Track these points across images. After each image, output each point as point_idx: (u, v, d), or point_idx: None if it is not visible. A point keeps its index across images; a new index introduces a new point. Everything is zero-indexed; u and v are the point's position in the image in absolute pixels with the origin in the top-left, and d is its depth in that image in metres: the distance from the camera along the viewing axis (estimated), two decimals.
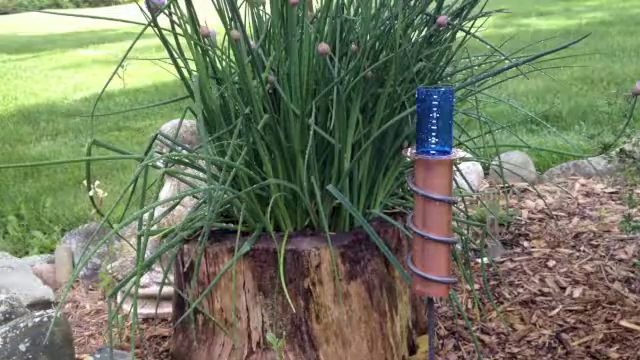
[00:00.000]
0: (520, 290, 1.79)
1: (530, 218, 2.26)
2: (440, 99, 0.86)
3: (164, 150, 1.65)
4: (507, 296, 1.76)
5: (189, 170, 1.59)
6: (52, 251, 2.31)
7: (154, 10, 1.32)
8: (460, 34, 1.53)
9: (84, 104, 5.19)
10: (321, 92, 1.38)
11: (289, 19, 1.36)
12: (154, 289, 1.77)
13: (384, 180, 1.50)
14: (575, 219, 2.23)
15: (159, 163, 1.50)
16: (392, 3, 1.43)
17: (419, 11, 1.44)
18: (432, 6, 1.45)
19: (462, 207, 1.74)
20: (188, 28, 1.41)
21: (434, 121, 0.86)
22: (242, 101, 1.39)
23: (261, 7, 1.55)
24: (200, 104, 1.35)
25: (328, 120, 1.40)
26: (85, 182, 1.49)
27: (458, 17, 1.47)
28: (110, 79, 1.44)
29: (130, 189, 1.37)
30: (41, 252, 2.38)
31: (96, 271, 2.06)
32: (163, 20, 1.38)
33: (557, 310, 1.68)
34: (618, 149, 1.66)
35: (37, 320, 1.48)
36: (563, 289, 1.78)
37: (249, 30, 1.50)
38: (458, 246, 1.65)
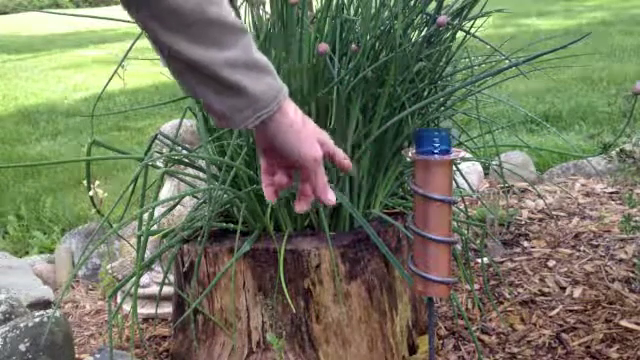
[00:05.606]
0: (520, 290, 1.79)
1: (530, 218, 2.26)
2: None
3: (164, 150, 1.65)
4: (507, 296, 1.76)
5: (189, 170, 1.59)
6: (52, 251, 2.31)
7: None
8: (460, 34, 1.53)
9: (84, 104, 5.19)
10: (321, 92, 1.38)
11: (289, 19, 1.36)
12: (154, 289, 1.77)
13: (384, 180, 1.50)
14: (575, 219, 2.23)
15: (159, 163, 1.50)
16: (392, 3, 1.42)
17: (419, 11, 1.44)
18: (432, 6, 1.45)
19: (462, 207, 1.74)
20: None
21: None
22: None
23: (261, 7, 1.55)
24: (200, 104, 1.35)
25: (328, 120, 1.40)
26: (85, 182, 1.49)
27: (458, 17, 1.47)
28: (110, 79, 1.44)
29: (130, 189, 1.37)
30: (41, 252, 2.38)
31: (96, 271, 2.06)
32: None
33: (557, 310, 1.68)
34: (618, 149, 1.66)
35: (37, 320, 1.48)
36: (563, 289, 1.78)
37: (249, 30, 1.50)
38: (458, 246, 1.65)
